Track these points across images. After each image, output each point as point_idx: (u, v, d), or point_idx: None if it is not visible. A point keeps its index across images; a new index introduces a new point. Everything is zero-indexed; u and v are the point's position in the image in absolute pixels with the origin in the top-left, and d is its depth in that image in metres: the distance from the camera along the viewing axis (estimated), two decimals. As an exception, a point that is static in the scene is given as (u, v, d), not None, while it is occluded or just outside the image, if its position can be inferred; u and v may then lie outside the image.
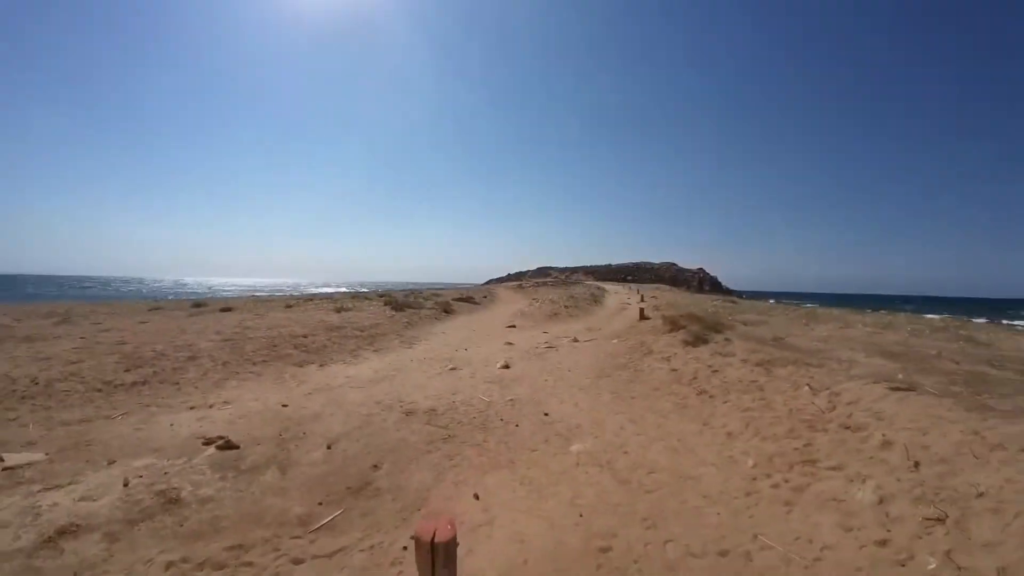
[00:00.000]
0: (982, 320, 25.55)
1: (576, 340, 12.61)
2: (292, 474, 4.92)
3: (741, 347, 9.11)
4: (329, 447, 5.51)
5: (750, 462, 4.95)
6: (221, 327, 12.41)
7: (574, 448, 5.49)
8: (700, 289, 70.27)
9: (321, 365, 9.71)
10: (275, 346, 10.70)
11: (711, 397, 6.96)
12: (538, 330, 15.68)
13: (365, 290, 38.15)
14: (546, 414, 6.67)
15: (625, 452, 5.37)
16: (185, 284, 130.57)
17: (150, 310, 16.14)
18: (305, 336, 11.78)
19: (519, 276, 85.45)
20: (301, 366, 9.57)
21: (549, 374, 9.00)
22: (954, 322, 18.35)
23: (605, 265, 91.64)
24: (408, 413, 6.62)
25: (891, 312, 25.54)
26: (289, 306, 18.41)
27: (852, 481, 4.31)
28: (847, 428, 5.36)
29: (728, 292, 70.78)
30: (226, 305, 17.72)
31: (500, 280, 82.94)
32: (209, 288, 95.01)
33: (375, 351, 11.30)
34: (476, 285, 62.02)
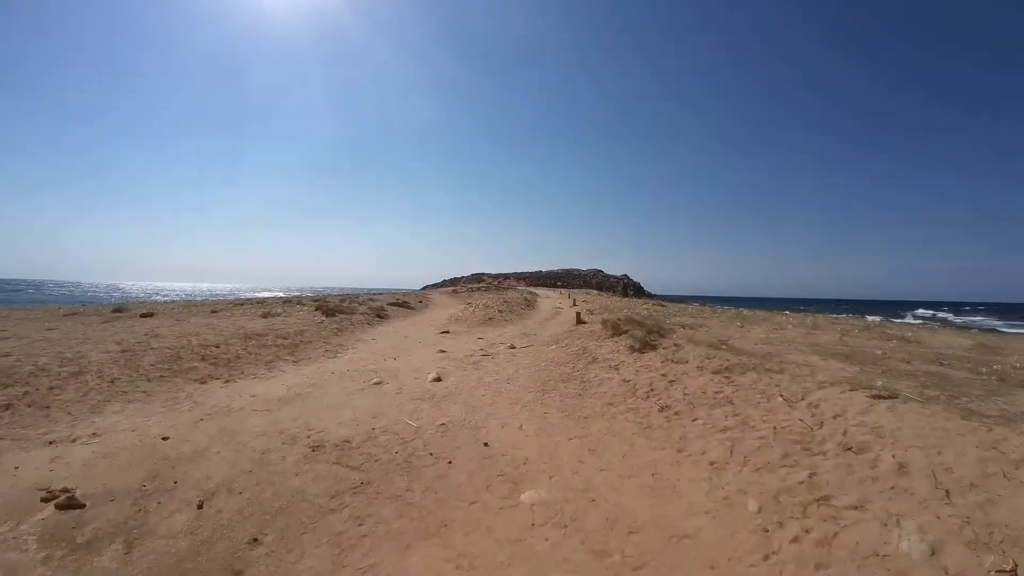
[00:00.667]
0: (877, 318, 25.83)
1: (513, 347, 11.08)
2: (139, 553, 3.24)
3: (693, 353, 7.89)
4: (201, 506, 3.80)
5: (753, 505, 3.60)
6: (127, 335, 10.27)
7: (526, 497, 3.91)
8: (625, 293, 70.23)
9: (227, 381, 7.80)
10: (179, 358, 8.70)
11: (677, 414, 5.60)
12: (473, 336, 13.97)
13: (299, 295, 35.56)
14: (486, 444, 5.05)
15: (592, 500, 3.86)
16: (120, 288, 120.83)
17: (65, 315, 13.62)
18: (217, 346, 9.77)
19: (454, 282, 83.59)
20: (204, 382, 7.65)
21: (486, 388, 7.40)
22: (871, 321, 18.08)
23: (536, 271, 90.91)
24: (315, 448, 4.87)
25: (799, 313, 25.37)
26: (215, 311, 16.15)
27: (886, 524, 3.13)
28: (848, 449, 4.19)
29: (651, 296, 71.16)
30: (148, 310, 15.33)
31: (436, 285, 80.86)
32: (145, 292, 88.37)
33: (294, 362, 9.40)
34: (414, 290, 59.92)
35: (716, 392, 6.03)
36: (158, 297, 56.33)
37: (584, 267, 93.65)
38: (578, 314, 15.47)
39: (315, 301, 20.30)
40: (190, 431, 5.41)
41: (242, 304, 19.13)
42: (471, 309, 22.23)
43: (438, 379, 7.82)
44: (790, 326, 12.71)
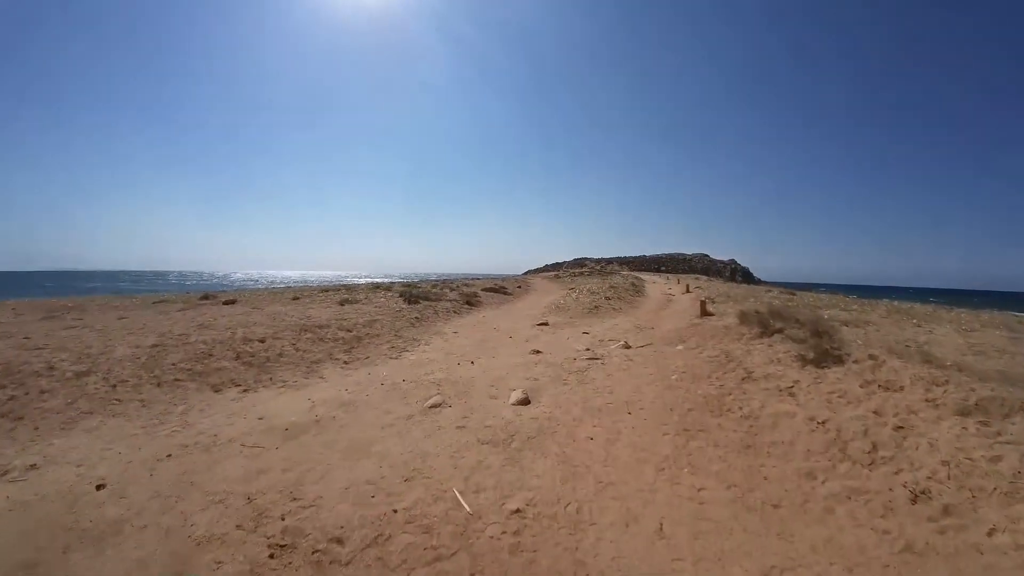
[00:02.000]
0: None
1: (627, 346, 8.45)
2: None
3: (906, 373, 5.07)
4: None
5: None
6: (181, 326, 9.00)
7: None
8: (732, 279, 64.69)
9: (246, 390, 5.97)
10: (210, 355, 7.10)
11: (948, 514, 2.91)
12: (576, 330, 11.35)
13: (396, 280, 34.64)
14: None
15: None
16: (233, 277, 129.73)
17: (153, 303, 13.00)
18: (262, 340, 8.11)
19: (556, 267, 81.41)
20: (217, 391, 5.90)
21: (596, 421, 4.83)
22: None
23: (639, 256, 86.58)
24: (277, 550, 2.69)
25: (961, 309, 20.00)
26: (296, 298, 15.05)
27: None
28: None
29: (760, 282, 65.13)
30: (231, 297, 14.55)
31: (538, 271, 79.09)
32: (252, 280, 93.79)
33: (344, 364, 7.44)
34: (515, 275, 58.36)
35: (992, 458, 3.33)
36: (273, 284, 58.52)
37: (689, 251, 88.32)
38: (702, 303, 12.64)
39: (403, 286, 18.88)
40: (137, 479, 3.57)
41: (327, 291, 18.05)
42: (574, 296, 19.80)
43: (525, 400, 5.48)
44: (978, 326, 9.16)
